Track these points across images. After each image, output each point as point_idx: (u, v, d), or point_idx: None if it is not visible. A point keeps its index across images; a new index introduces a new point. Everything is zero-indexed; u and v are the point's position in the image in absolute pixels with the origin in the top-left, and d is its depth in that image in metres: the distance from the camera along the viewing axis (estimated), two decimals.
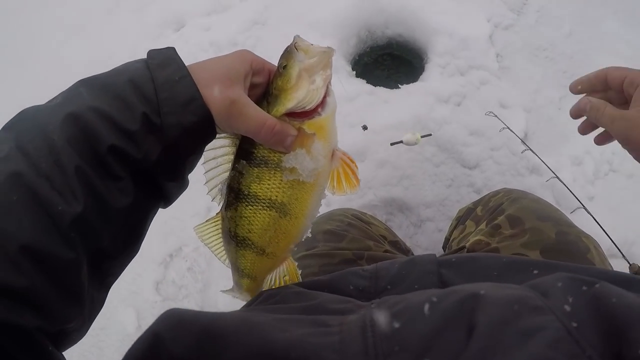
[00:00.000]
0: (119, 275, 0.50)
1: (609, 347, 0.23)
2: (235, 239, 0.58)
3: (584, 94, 0.65)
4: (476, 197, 1.25)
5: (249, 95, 0.51)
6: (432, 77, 1.83)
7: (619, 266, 0.74)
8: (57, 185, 0.39)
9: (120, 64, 0.49)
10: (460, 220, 0.99)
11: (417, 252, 1.43)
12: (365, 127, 1.52)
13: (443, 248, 1.15)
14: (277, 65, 0.53)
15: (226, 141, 0.56)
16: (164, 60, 0.47)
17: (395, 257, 0.77)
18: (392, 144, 1.43)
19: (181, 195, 0.54)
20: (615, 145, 0.59)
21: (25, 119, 0.42)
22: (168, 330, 0.30)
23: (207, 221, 0.61)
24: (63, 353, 0.40)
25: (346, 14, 1.99)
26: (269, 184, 0.54)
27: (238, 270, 0.62)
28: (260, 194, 0.54)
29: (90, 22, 2.50)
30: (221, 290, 0.73)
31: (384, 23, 2.00)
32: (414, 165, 1.60)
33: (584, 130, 0.67)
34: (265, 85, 0.54)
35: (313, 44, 0.52)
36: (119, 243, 0.46)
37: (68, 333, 0.41)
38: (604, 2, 2.14)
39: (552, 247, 0.71)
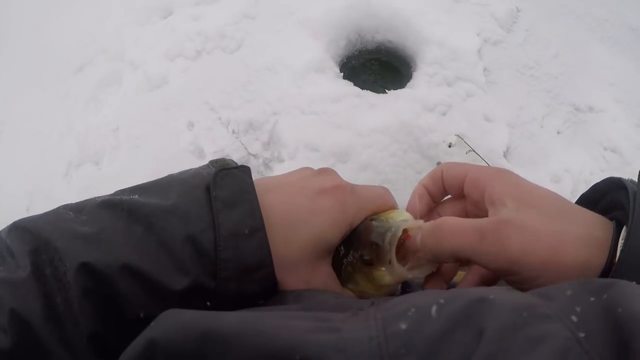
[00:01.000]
0: None
1: (618, 359, 0.23)
2: None
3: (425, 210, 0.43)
4: None
5: None
6: (419, 85, 1.83)
7: None
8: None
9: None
10: None
11: None
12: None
13: None
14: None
15: None
16: (234, 195, 0.35)
17: None
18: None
19: None
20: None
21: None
22: (164, 336, 0.27)
23: None
24: None
25: (338, 15, 1.98)
26: None
27: None
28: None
29: (76, 2, 2.43)
30: None
31: (375, 28, 2.00)
32: (396, 170, 1.60)
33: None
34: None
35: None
36: None
37: None
38: (591, 27, 2.19)
39: None
